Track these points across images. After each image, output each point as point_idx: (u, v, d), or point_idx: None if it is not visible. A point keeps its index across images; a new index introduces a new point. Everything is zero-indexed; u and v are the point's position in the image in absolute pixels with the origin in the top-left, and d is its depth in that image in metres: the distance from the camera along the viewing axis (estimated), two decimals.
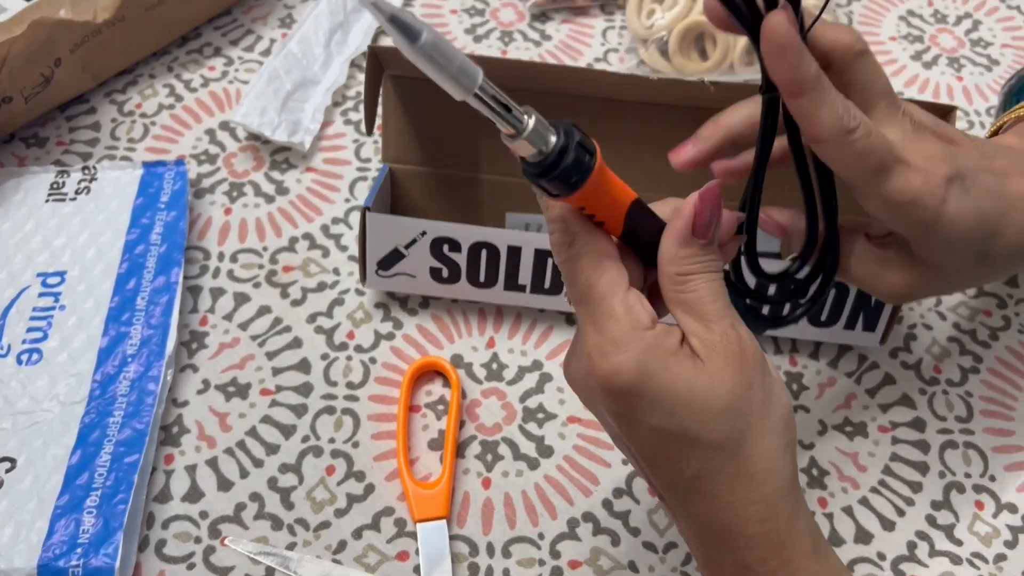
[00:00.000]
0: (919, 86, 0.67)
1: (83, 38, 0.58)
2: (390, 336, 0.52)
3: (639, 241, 0.35)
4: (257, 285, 0.54)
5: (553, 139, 0.30)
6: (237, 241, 0.56)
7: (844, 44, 0.36)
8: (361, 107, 0.63)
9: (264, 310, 0.53)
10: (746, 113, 0.38)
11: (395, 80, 0.51)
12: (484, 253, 0.49)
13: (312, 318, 0.53)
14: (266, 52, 0.66)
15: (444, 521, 0.45)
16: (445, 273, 0.50)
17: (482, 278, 0.50)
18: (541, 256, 0.49)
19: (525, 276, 0.50)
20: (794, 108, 0.34)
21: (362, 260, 0.50)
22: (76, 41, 0.58)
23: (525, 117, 0.29)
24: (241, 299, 0.53)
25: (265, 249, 0.55)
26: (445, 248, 0.49)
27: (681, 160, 0.39)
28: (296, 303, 0.53)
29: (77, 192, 0.55)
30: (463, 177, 0.54)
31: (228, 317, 0.52)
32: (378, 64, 0.51)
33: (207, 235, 0.56)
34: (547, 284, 0.50)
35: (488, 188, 0.55)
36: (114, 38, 0.60)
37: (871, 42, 0.69)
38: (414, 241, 0.49)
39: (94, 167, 0.56)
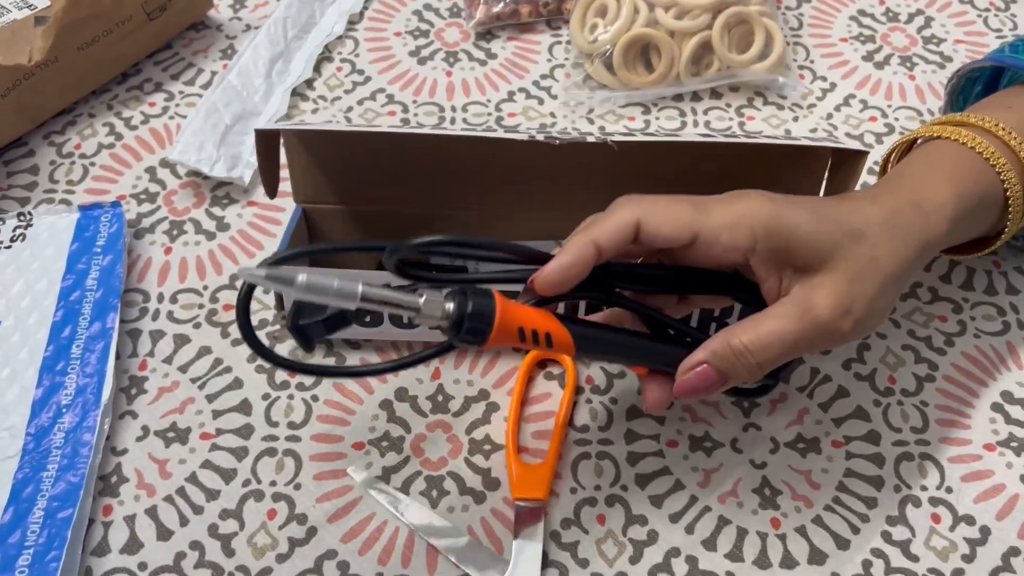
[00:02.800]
0: (871, 87, 0.66)
1: (15, 82, 0.58)
2: None
3: (588, 335, 0.39)
4: (197, 326, 0.53)
5: (449, 306, 0.34)
6: (177, 281, 0.55)
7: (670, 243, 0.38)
8: None
9: (204, 351, 0.52)
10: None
11: (297, 132, 0.50)
12: None
13: (253, 357, 0.52)
14: (207, 85, 0.65)
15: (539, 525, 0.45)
16: (368, 319, 0.50)
17: (406, 319, 0.50)
18: None
19: None
20: None
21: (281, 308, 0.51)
22: (8, 85, 0.57)
23: (418, 299, 0.33)
24: (181, 341, 0.52)
25: (205, 288, 0.55)
26: None
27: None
28: (237, 342, 0.52)
29: (12, 240, 0.54)
30: (380, 212, 0.53)
31: (168, 360, 0.52)
32: (271, 138, 0.49)
33: (147, 276, 0.55)
34: None
35: (408, 221, 0.53)
36: (49, 79, 0.60)
37: (822, 43, 0.69)
38: None
39: (29, 213, 0.56)
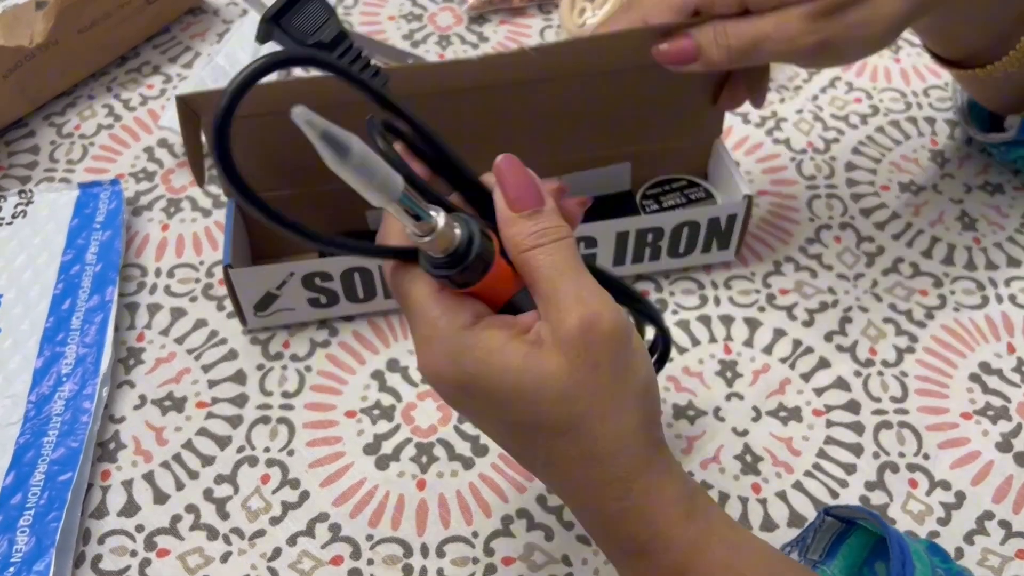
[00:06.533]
0: (856, 69, 0.67)
1: (16, 63, 0.59)
2: (326, 344, 0.52)
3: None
4: (194, 299, 0.54)
5: (458, 232, 0.30)
6: (174, 256, 0.56)
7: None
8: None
9: (200, 323, 0.53)
10: None
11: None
12: (356, 275, 0.50)
13: (248, 330, 0.53)
14: None
15: None
16: (323, 300, 0.51)
17: (361, 295, 0.52)
18: None
19: None
20: None
21: (237, 308, 0.51)
22: (9, 66, 0.59)
23: (434, 215, 0.29)
24: (178, 314, 0.54)
25: (202, 263, 0.56)
26: (317, 280, 0.50)
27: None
28: (232, 315, 0.54)
29: (14, 216, 0.56)
30: (313, 192, 0.51)
31: (164, 332, 0.53)
32: (192, 113, 0.46)
33: (144, 252, 0.56)
34: None
35: (340, 197, 0.52)
36: (49, 61, 0.61)
37: None
38: (284, 282, 0.50)
39: (31, 190, 0.57)
